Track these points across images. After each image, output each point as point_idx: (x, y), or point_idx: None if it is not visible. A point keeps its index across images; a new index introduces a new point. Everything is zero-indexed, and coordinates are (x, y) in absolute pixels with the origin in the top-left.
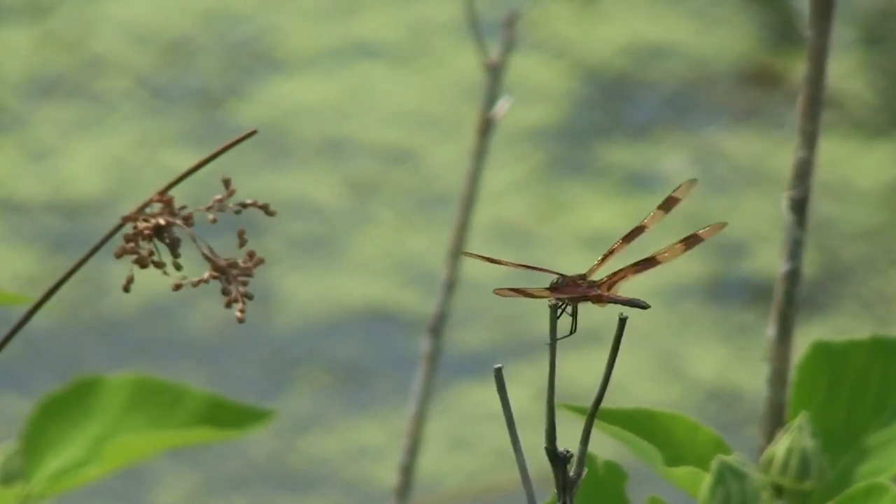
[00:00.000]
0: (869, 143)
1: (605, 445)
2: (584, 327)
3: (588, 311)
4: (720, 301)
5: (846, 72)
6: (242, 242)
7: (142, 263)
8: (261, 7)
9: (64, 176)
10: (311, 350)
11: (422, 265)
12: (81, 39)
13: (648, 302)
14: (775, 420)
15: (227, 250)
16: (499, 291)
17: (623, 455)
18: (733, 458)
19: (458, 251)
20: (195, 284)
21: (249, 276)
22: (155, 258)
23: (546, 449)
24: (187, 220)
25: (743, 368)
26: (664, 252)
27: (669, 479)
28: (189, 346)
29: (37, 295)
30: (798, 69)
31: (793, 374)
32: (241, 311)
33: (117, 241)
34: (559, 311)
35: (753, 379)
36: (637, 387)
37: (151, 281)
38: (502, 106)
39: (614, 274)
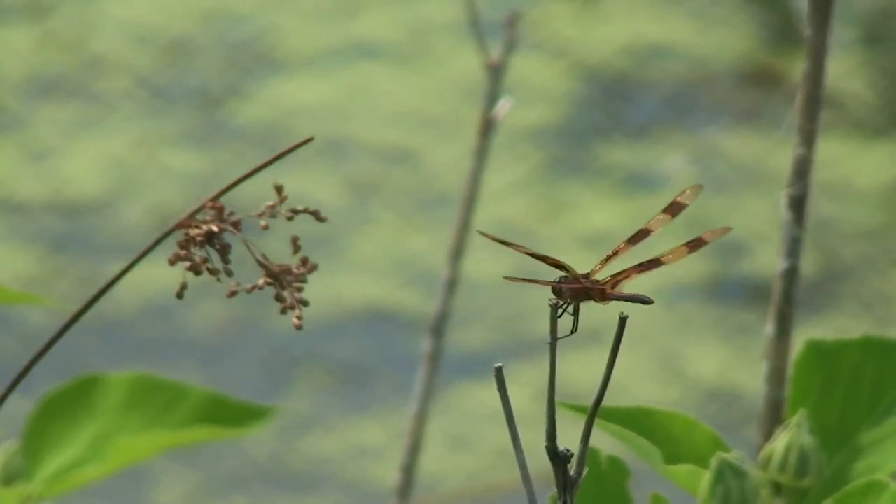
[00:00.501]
0: (869, 143)
1: (605, 444)
2: (585, 327)
3: (588, 311)
4: (720, 301)
5: (846, 71)
6: (296, 249)
7: (196, 271)
8: (261, 7)
9: (64, 176)
10: (311, 350)
11: (422, 265)
12: (81, 39)
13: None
14: (773, 417)
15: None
16: (509, 278)
17: (622, 454)
18: (732, 456)
19: (458, 251)
20: (249, 291)
21: (304, 282)
22: (209, 265)
23: (547, 448)
24: (237, 226)
25: (743, 368)
26: (668, 254)
27: (669, 477)
28: (189, 346)
29: (40, 296)
30: (798, 69)
31: (790, 372)
32: (299, 317)
33: (119, 244)
34: (560, 310)
35: (753, 378)
36: (637, 386)
37: (152, 281)
38: (503, 106)
39: (618, 273)
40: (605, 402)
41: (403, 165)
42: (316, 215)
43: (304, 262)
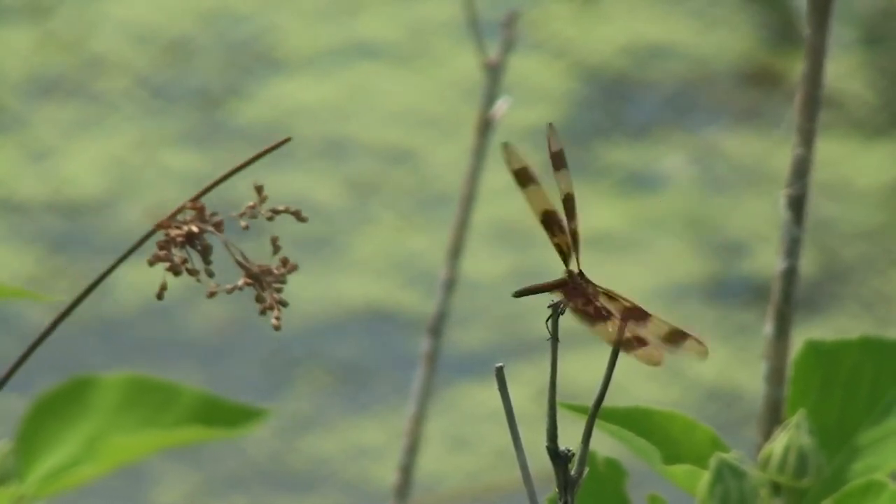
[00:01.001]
0: (869, 143)
1: (604, 444)
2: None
3: None
4: (720, 301)
5: (846, 71)
6: (276, 249)
7: (175, 271)
8: (261, 7)
9: (64, 176)
10: (311, 350)
11: (422, 265)
12: (81, 39)
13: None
14: (772, 417)
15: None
16: (519, 293)
17: (622, 454)
18: (731, 456)
19: (457, 251)
20: (229, 291)
21: (283, 282)
22: (188, 265)
23: (547, 448)
24: (218, 227)
25: (743, 368)
26: (649, 348)
27: (668, 478)
28: (189, 346)
29: (37, 293)
30: (798, 69)
31: (789, 372)
32: (277, 318)
33: (119, 240)
34: (560, 310)
35: (753, 378)
36: (637, 387)
37: (151, 281)
38: (501, 106)
39: (614, 300)
40: (605, 402)
41: (403, 165)
42: (297, 215)
43: (285, 262)
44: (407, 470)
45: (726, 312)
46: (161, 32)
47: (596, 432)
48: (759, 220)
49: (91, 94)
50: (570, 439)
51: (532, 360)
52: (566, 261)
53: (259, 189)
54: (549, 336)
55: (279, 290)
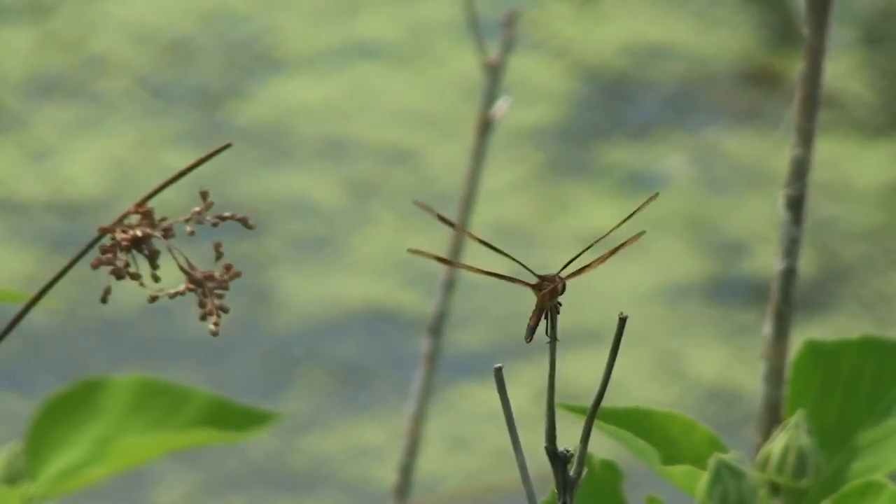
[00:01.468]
0: (869, 143)
1: (603, 444)
2: (585, 327)
3: (588, 311)
4: (720, 301)
5: (846, 71)
6: (218, 256)
7: (118, 275)
8: (261, 7)
9: (64, 176)
10: (311, 350)
11: (422, 265)
12: (81, 39)
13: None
14: (771, 418)
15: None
16: (414, 251)
17: (620, 454)
18: (730, 457)
19: (456, 251)
20: (171, 296)
21: (225, 288)
22: (131, 269)
23: (546, 448)
24: (167, 232)
25: (743, 368)
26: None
27: (666, 478)
28: (189, 346)
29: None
30: (798, 69)
31: (788, 373)
32: (216, 324)
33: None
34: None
35: (753, 379)
36: (637, 387)
37: (150, 282)
38: (501, 106)
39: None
40: (605, 403)
41: (403, 165)
42: (244, 222)
43: (228, 268)
44: (407, 470)
45: (726, 312)
46: (161, 32)
47: (595, 433)
48: (758, 220)
49: (91, 94)
50: (569, 440)
51: (531, 360)
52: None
53: (204, 195)
54: (548, 337)
55: (220, 297)
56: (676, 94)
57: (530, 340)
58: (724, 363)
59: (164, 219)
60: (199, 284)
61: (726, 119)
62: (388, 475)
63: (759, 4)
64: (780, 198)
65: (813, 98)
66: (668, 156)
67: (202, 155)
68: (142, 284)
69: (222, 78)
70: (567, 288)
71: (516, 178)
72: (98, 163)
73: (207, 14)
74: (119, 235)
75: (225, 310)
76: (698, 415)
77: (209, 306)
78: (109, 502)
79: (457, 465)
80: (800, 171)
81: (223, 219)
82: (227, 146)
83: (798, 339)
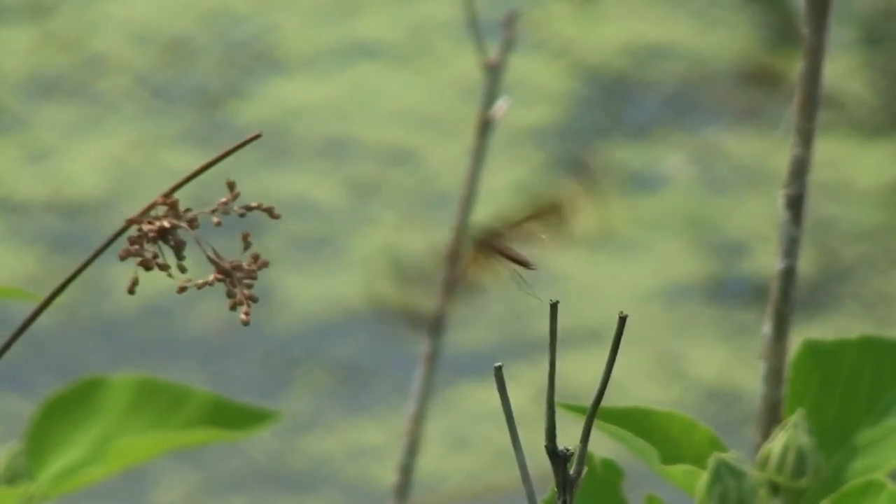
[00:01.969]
0: (869, 143)
1: (603, 444)
2: (585, 326)
3: (588, 311)
4: (720, 301)
5: (845, 71)
6: (247, 245)
7: (146, 266)
8: (261, 7)
9: (64, 176)
10: (311, 350)
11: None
12: (81, 39)
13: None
14: (771, 418)
15: (231, 252)
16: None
17: (620, 454)
18: (730, 456)
19: (457, 251)
20: (200, 287)
21: (254, 278)
22: (159, 260)
23: (546, 447)
24: (192, 223)
25: (743, 368)
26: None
27: (666, 478)
28: (189, 346)
29: (36, 294)
30: (798, 69)
31: (787, 373)
32: (247, 313)
33: (120, 243)
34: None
35: (753, 379)
36: (637, 386)
37: (151, 281)
38: (501, 106)
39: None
40: (605, 402)
41: (403, 165)
42: (270, 212)
43: (256, 258)
44: (407, 470)
45: (726, 312)
46: (161, 32)
47: (595, 432)
48: (759, 220)
49: (91, 94)
50: (569, 439)
51: (532, 360)
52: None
53: (231, 185)
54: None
55: (250, 286)
56: (676, 94)
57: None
58: (724, 363)
59: (188, 210)
60: (228, 275)
61: (726, 119)
62: (388, 475)
63: (759, 4)
64: (779, 198)
65: (813, 98)
66: (668, 156)
67: (203, 155)
68: (170, 275)
69: (222, 78)
70: (567, 289)
71: (516, 177)
72: (98, 163)
73: (207, 14)
74: (145, 227)
75: (254, 299)
76: (698, 415)
77: (239, 296)
78: (109, 502)
79: (457, 465)
80: (800, 171)
81: (249, 209)
82: (258, 136)
83: (798, 339)
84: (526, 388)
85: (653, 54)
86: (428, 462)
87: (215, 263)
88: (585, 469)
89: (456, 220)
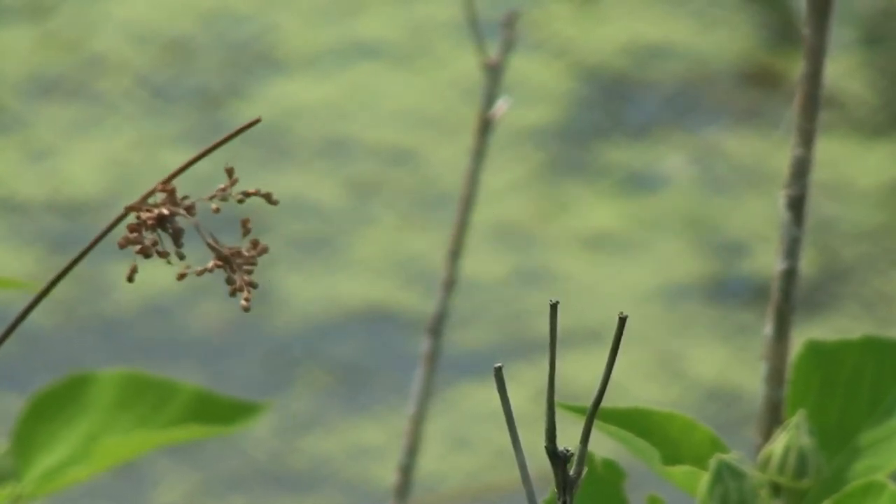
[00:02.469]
0: (869, 143)
1: (603, 444)
2: (584, 326)
3: (588, 311)
4: (720, 301)
5: (846, 72)
6: (246, 231)
7: (146, 253)
8: (261, 7)
9: (64, 176)
10: (311, 350)
11: (422, 265)
12: (81, 39)
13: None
14: (772, 418)
15: (230, 245)
16: None
17: (620, 454)
18: (731, 457)
19: (456, 251)
20: (199, 273)
21: (254, 264)
22: (159, 248)
23: (546, 448)
24: (190, 210)
25: (743, 368)
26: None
27: (667, 478)
28: (189, 346)
29: (36, 294)
30: (798, 69)
31: (788, 373)
32: (247, 299)
33: (117, 237)
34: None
35: (753, 379)
36: (637, 386)
37: (151, 281)
38: (501, 106)
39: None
40: (605, 403)
41: (403, 165)
42: (268, 198)
43: (255, 244)
44: (407, 470)
45: (726, 312)
46: (161, 32)
47: (595, 433)
48: (759, 220)
49: (91, 94)
50: (569, 439)
51: (532, 360)
52: None
53: (230, 171)
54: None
55: (249, 272)
56: (676, 94)
57: None
58: (724, 363)
59: (186, 197)
60: (227, 261)
61: (726, 119)
62: (388, 475)
63: (759, 4)
64: (780, 198)
65: (813, 98)
66: (668, 156)
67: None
68: (169, 262)
69: (222, 78)
70: (567, 289)
71: (516, 177)
72: (98, 163)
73: (207, 14)
74: (144, 214)
75: (254, 286)
76: (698, 415)
77: (238, 282)
78: (109, 502)
79: (457, 465)
80: (800, 171)
81: (248, 195)
82: (257, 121)
83: (798, 340)
84: (526, 388)
85: (653, 54)
86: (428, 462)
87: (214, 250)
88: (585, 469)
89: (456, 220)
